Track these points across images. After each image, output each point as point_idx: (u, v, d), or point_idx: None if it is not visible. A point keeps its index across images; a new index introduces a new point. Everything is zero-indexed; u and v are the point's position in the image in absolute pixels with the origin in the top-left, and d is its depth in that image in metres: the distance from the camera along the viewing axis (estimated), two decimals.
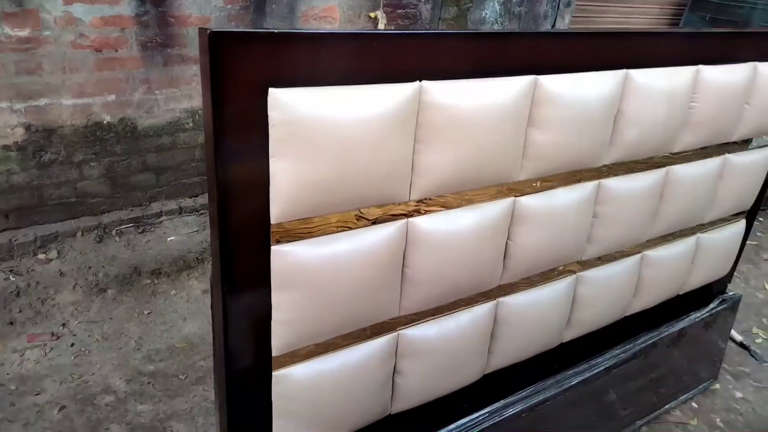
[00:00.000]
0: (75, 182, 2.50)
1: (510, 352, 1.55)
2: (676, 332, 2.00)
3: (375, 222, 1.13)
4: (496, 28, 3.51)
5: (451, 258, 1.27)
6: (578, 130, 1.33)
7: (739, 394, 2.30)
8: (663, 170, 1.63)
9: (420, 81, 1.06)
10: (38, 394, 1.93)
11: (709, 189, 1.80)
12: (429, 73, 1.07)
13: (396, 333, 1.29)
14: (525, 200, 1.35)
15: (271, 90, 0.91)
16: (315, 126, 0.96)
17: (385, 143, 1.05)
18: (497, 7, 3.49)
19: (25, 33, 2.17)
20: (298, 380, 1.17)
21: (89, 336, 2.21)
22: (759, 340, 2.65)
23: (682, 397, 2.20)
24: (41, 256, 2.47)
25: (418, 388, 1.38)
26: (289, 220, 1.02)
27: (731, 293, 2.23)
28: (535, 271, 1.48)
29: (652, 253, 1.78)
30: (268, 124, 0.93)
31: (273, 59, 0.90)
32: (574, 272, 1.60)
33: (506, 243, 1.37)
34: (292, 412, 1.19)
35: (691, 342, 2.11)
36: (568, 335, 1.70)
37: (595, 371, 1.77)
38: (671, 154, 1.63)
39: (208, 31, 0.83)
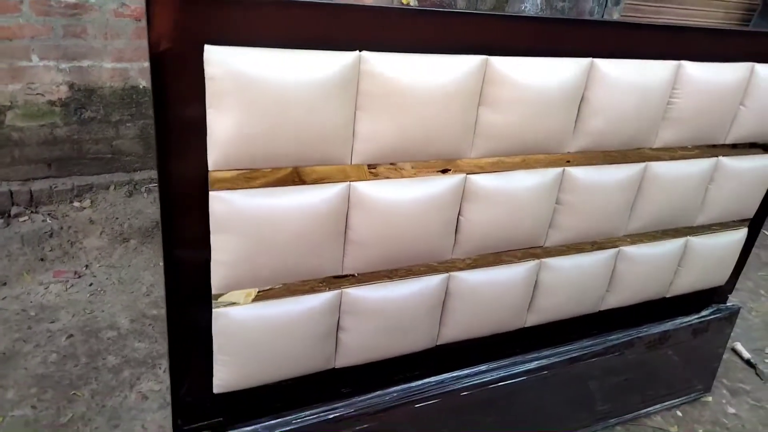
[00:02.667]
0: (111, 140, 2.73)
1: (463, 325, 1.59)
2: (657, 334, 1.97)
3: (315, 182, 1.22)
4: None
5: (395, 225, 1.34)
6: (534, 114, 1.36)
7: (731, 410, 2.23)
8: (641, 165, 1.62)
9: (360, 51, 1.14)
10: (53, 322, 2.15)
11: (696, 190, 1.76)
12: (370, 44, 1.14)
13: (340, 290, 1.38)
14: (477, 178, 1.39)
15: (207, 46, 1.02)
16: (250, 83, 1.06)
17: (321, 107, 1.13)
18: (538, 1, 3.46)
19: (73, 0, 2.40)
20: (238, 320, 1.28)
21: (107, 278, 2.43)
22: None
23: (666, 403, 2.16)
24: (76, 204, 2.72)
25: (361, 345, 1.46)
26: (227, 169, 1.13)
27: (730, 304, 2.16)
28: (489, 250, 1.52)
29: (630, 249, 1.77)
30: (204, 77, 1.03)
31: (210, 17, 1.01)
32: (537, 257, 1.62)
33: (458, 218, 1.43)
34: (231, 349, 1.30)
35: (678, 348, 2.07)
36: (532, 320, 1.72)
37: (556, 359, 1.78)
38: (650, 149, 1.61)
39: None
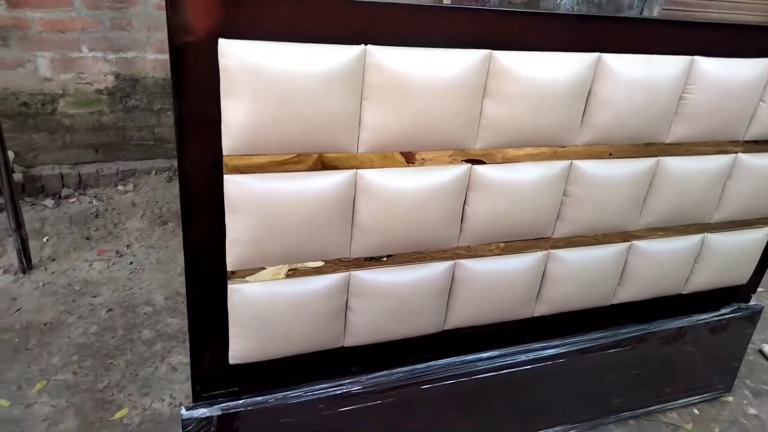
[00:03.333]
0: (153, 127, 2.89)
1: (470, 312, 1.65)
2: (672, 330, 1.97)
3: (322, 168, 1.30)
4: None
5: (400, 212, 1.40)
6: (539, 107, 1.40)
7: (752, 411, 2.20)
8: (653, 160, 1.63)
9: (365, 45, 1.21)
10: (95, 297, 2.32)
11: (713, 187, 1.75)
12: (376, 38, 1.21)
13: (348, 273, 1.46)
14: (482, 169, 1.44)
15: (221, 40, 1.10)
16: (260, 74, 1.14)
17: (327, 97, 1.20)
18: None
19: None
20: (251, 296, 1.37)
21: (146, 258, 2.58)
22: None
23: (683, 400, 2.16)
24: (120, 188, 2.89)
25: (369, 326, 1.54)
26: (240, 154, 1.22)
27: (753, 304, 2.13)
28: (494, 239, 1.56)
29: (642, 243, 1.77)
30: (219, 69, 1.12)
31: (224, 13, 1.09)
32: (545, 248, 1.66)
33: (464, 207, 1.48)
34: (245, 323, 1.40)
35: (696, 346, 2.05)
36: (540, 310, 1.75)
37: (566, 349, 1.81)
38: (663, 144, 1.62)
39: None
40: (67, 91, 2.73)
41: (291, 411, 1.49)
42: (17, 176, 2.67)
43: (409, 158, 1.37)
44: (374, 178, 1.35)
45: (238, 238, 1.30)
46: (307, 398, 1.50)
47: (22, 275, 2.37)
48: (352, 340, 1.55)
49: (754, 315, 2.12)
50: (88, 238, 2.64)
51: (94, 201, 2.80)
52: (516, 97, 1.37)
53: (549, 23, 1.37)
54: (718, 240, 1.88)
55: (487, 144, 1.42)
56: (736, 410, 2.19)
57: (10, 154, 2.69)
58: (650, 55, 1.47)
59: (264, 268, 1.36)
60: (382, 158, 1.34)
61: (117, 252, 2.59)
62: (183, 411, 1.41)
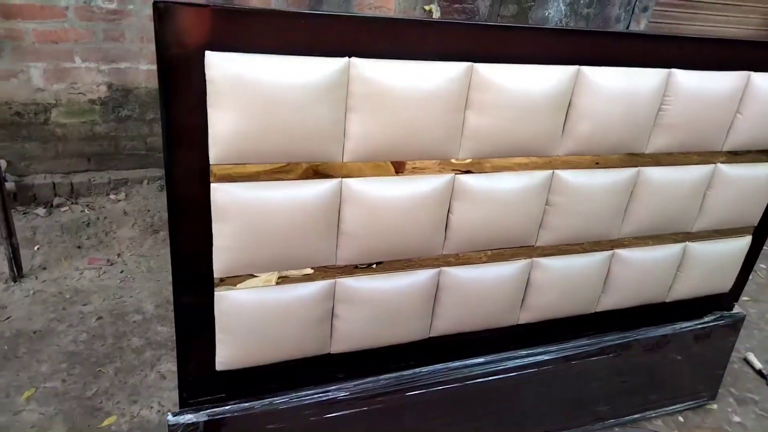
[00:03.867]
0: (146, 137, 2.92)
1: (455, 319, 1.67)
2: (656, 338, 1.99)
3: (308, 177, 1.33)
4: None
5: (385, 220, 1.43)
6: (520, 118, 1.43)
7: (737, 419, 2.23)
8: (633, 170, 1.67)
9: (349, 57, 1.24)
10: (85, 305, 2.33)
11: (693, 197, 1.79)
12: (359, 50, 1.24)
13: (334, 280, 1.48)
14: (465, 178, 1.47)
15: (207, 53, 1.14)
16: (246, 86, 1.17)
17: (312, 108, 1.23)
18: (562, 8, 3.49)
19: (113, 6, 2.59)
20: (237, 303, 1.39)
21: (137, 267, 2.60)
22: None
23: (668, 408, 2.18)
24: (112, 197, 2.91)
25: (355, 333, 1.56)
26: (226, 163, 1.24)
27: (735, 312, 2.16)
28: (479, 247, 1.59)
29: (624, 252, 1.81)
30: (205, 79, 1.15)
31: (210, 27, 1.13)
32: (529, 257, 1.68)
33: (447, 216, 1.51)
34: (232, 329, 1.42)
35: (680, 353, 2.08)
36: (525, 317, 1.78)
37: (550, 356, 1.83)
38: (643, 154, 1.66)
39: (154, 2, 1.07)
40: (60, 101, 2.75)
41: (277, 417, 1.51)
42: (9, 185, 2.69)
43: (399, 167, 1.40)
44: (359, 187, 1.38)
45: (225, 246, 1.32)
46: (294, 404, 1.52)
47: (12, 283, 2.38)
48: (338, 346, 1.57)
49: (737, 323, 2.15)
50: (79, 247, 2.65)
51: (85, 210, 2.82)
52: (497, 108, 1.40)
53: (529, 37, 1.41)
54: (699, 249, 1.92)
55: (470, 153, 1.45)
56: (720, 418, 2.21)
57: (3, 163, 2.71)
58: (629, 67, 1.51)
59: (254, 276, 1.38)
60: (373, 167, 1.37)
61: (108, 260, 2.60)
62: (169, 417, 1.42)
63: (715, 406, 2.26)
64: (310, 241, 1.39)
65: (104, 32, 2.65)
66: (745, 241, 2.00)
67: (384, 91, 1.28)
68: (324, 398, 1.56)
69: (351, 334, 1.56)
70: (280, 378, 1.54)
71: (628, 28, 3.76)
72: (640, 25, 3.80)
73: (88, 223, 2.77)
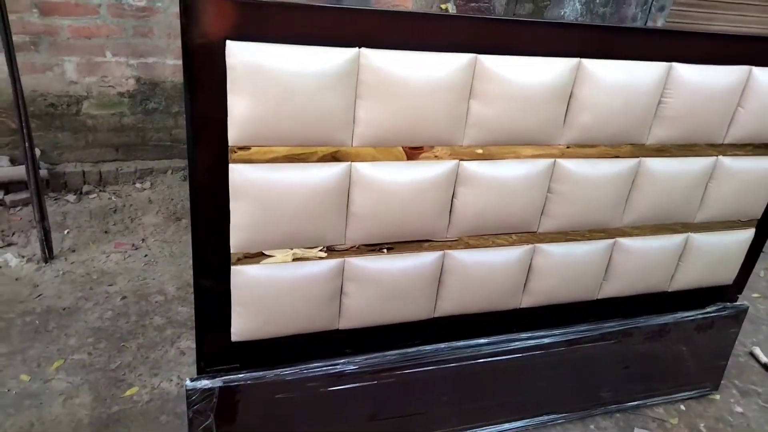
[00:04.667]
0: (171, 129, 3.04)
1: (459, 301, 1.74)
2: (657, 326, 2.04)
3: (320, 160, 1.42)
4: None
5: (392, 203, 1.51)
6: (522, 108, 1.50)
7: (739, 409, 2.26)
8: (635, 160, 1.73)
9: (359, 48, 1.33)
10: (111, 285, 2.46)
11: (694, 188, 1.84)
12: (369, 41, 1.33)
13: (343, 259, 1.57)
14: (469, 164, 1.55)
15: (228, 42, 1.23)
16: (263, 73, 1.27)
17: (324, 95, 1.32)
18: (578, 6, 3.54)
19: (142, 3, 2.72)
20: (252, 277, 1.49)
21: (160, 251, 2.72)
22: None
23: (670, 396, 2.22)
24: (138, 185, 3.04)
25: (363, 310, 1.64)
26: (244, 145, 1.34)
27: (738, 304, 2.19)
28: (481, 231, 1.66)
29: (626, 241, 1.86)
30: (226, 67, 1.25)
31: (231, 18, 1.22)
32: (531, 243, 1.75)
33: (452, 201, 1.59)
34: (247, 302, 1.52)
35: (682, 343, 2.13)
36: (527, 302, 1.85)
37: (551, 340, 1.90)
38: (644, 145, 1.71)
39: None
40: (91, 93, 2.89)
41: (286, 387, 1.60)
42: (42, 172, 2.83)
43: (414, 154, 1.48)
44: (367, 171, 1.46)
45: (241, 223, 1.42)
46: (302, 376, 1.61)
47: (44, 264, 2.52)
48: (346, 323, 1.66)
49: (740, 314, 2.18)
50: (106, 232, 2.78)
51: (113, 197, 2.96)
52: (500, 98, 1.48)
53: (531, 30, 1.49)
54: (701, 240, 1.96)
55: (474, 141, 1.53)
56: (722, 408, 2.25)
57: (37, 152, 2.85)
58: (630, 61, 1.57)
59: (268, 255, 1.48)
60: (382, 152, 1.45)
61: (133, 245, 2.73)
62: (188, 382, 1.53)
63: (717, 397, 2.30)
64: (320, 221, 1.48)
65: (134, 28, 2.78)
66: (748, 234, 2.04)
67: (391, 80, 1.36)
68: (331, 371, 1.65)
69: (358, 312, 1.65)
70: (291, 351, 1.63)
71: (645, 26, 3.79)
72: (657, 25, 3.83)
73: (115, 210, 2.90)
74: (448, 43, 1.40)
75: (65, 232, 2.75)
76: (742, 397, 2.32)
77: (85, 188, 2.98)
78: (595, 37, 1.54)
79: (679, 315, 2.08)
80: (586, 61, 1.53)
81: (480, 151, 1.55)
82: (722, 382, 2.34)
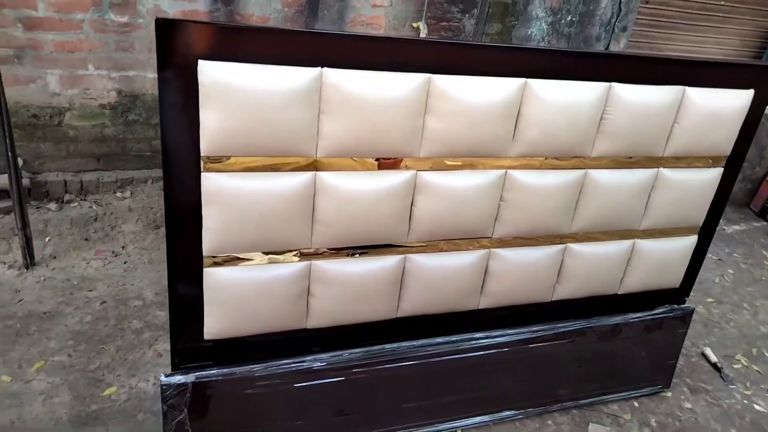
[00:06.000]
0: (151, 140, 3.14)
1: (420, 302, 1.86)
2: (608, 326, 2.18)
3: (284, 169, 1.54)
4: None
5: (355, 210, 1.64)
6: (473, 123, 1.64)
7: (688, 405, 2.40)
8: (581, 172, 1.87)
9: (322, 67, 1.46)
10: (90, 291, 2.54)
11: (638, 198, 1.99)
12: (331, 62, 1.46)
13: (309, 262, 1.68)
14: (426, 174, 1.68)
15: (200, 62, 1.35)
16: (232, 90, 1.39)
17: (289, 110, 1.45)
18: (544, 27, 3.72)
19: (124, 19, 2.83)
20: (223, 279, 1.60)
21: (139, 258, 2.81)
22: (738, 366, 2.70)
23: (624, 394, 2.36)
24: (118, 194, 3.13)
25: (328, 310, 1.76)
26: (215, 155, 1.46)
27: (685, 306, 2.34)
28: (439, 236, 1.79)
29: (576, 246, 2.00)
30: (198, 84, 1.37)
31: (202, 40, 1.35)
32: (487, 247, 1.88)
33: (411, 208, 1.72)
34: (218, 302, 1.63)
35: (632, 342, 2.27)
36: (485, 303, 1.98)
37: (507, 339, 2.02)
38: (588, 157, 1.86)
39: (156, 18, 1.29)
40: (74, 105, 2.99)
41: (255, 382, 1.71)
42: (25, 181, 2.91)
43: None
44: (331, 180, 1.59)
45: (213, 227, 1.53)
46: (270, 372, 1.72)
47: (25, 270, 2.60)
48: (313, 322, 1.77)
49: (687, 316, 2.34)
50: (87, 239, 2.87)
51: (93, 206, 3.04)
52: (453, 114, 1.61)
53: (480, 53, 1.63)
54: (647, 246, 2.11)
55: (430, 153, 1.66)
56: (673, 404, 2.39)
57: (20, 161, 2.93)
58: (573, 81, 1.72)
59: (239, 257, 1.59)
60: (348, 162, 1.58)
61: (113, 252, 2.82)
62: (162, 377, 1.63)
63: (669, 394, 2.44)
64: (287, 227, 1.60)
65: (116, 43, 2.89)
66: (691, 240, 2.20)
67: (351, 97, 1.49)
68: (299, 368, 1.76)
69: (325, 312, 1.76)
70: (262, 348, 1.74)
71: (608, 47, 3.98)
72: (620, 45, 4.02)
73: (96, 218, 2.99)
74: (405, 64, 1.53)
75: (47, 239, 2.83)
76: (692, 394, 2.46)
77: (67, 197, 3.06)
78: (541, 59, 1.69)
79: (630, 316, 2.22)
80: (531, 81, 1.67)
81: (436, 162, 1.68)
82: (674, 380, 2.49)
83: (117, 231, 2.96)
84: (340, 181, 1.59)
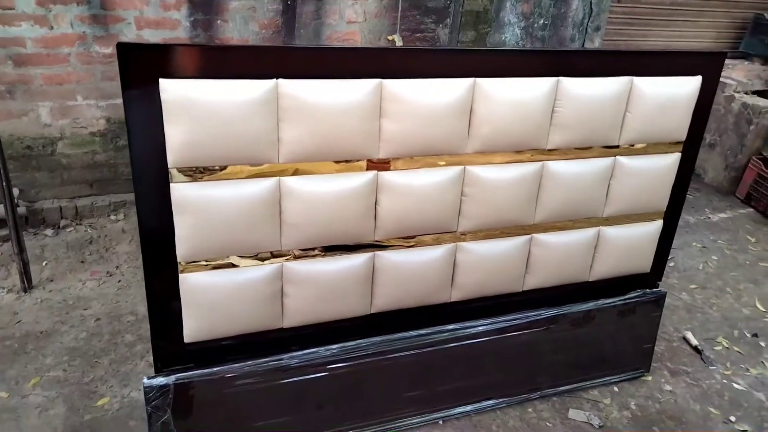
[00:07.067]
0: None
1: (392, 297, 1.95)
2: (581, 312, 2.25)
3: (251, 176, 1.64)
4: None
5: (320, 211, 1.73)
6: (426, 123, 1.73)
7: (668, 387, 2.45)
8: (538, 164, 1.96)
9: (276, 79, 1.56)
10: (86, 309, 2.64)
11: (598, 186, 2.07)
12: (285, 73, 1.56)
13: (280, 263, 1.78)
14: (386, 174, 1.77)
15: (161, 80, 1.46)
16: (193, 104, 1.49)
17: (249, 120, 1.55)
18: (518, 31, 3.83)
19: (108, 50, 2.97)
20: (198, 283, 1.69)
21: (133, 276, 2.91)
22: (719, 348, 2.74)
23: (604, 379, 2.41)
24: (112, 217, 3.25)
25: (303, 309, 1.84)
26: (182, 166, 1.56)
27: (657, 290, 2.40)
28: (405, 233, 1.87)
29: (542, 236, 2.08)
30: (161, 100, 1.48)
31: (161, 60, 1.46)
32: (453, 241, 1.97)
33: (375, 207, 1.81)
34: (195, 306, 1.72)
35: (607, 328, 2.33)
36: (456, 295, 2.05)
37: (482, 329, 2.09)
38: (544, 150, 1.95)
39: (117, 43, 1.41)
40: (65, 134, 3.12)
41: (234, 381, 1.79)
42: (21, 210, 3.04)
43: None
44: (295, 184, 1.68)
45: (185, 235, 1.63)
46: (248, 370, 1.80)
47: (23, 293, 2.70)
48: (289, 321, 1.86)
49: (659, 299, 2.40)
50: (82, 262, 2.98)
51: (88, 229, 3.16)
52: (407, 115, 1.71)
53: (429, 57, 1.73)
54: (612, 232, 2.19)
55: (388, 154, 1.75)
56: (653, 387, 2.44)
57: (16, 191, 3.06)
58: (521, 78, 1.82)
59: (210, 261, 1.69)
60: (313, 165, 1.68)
61: (107, 272, 2.92)
62: (145, 380, 1.72)
63: (649, 378, 2.49)
64: (256, 231, 1.69)
65: (102, 73, 3.03)
66: (656, 225, 2.27)
67: (307, 105, 1.60)
68: (277, 365, 1.84)
69: (299, 311, 1.85)
70: (241, 349, 1.83)
71: (582, 47, 4.08)
72: (594, 44, 4.12)
73: (91, 241, 3.10)
74: (358, 71, 1.64)
75: (44, 263, 2.95)
76: (672, 377, 2.51)
77: (63, 222, 3.18)
78: (488, 60, 1.79)
79: (601, 302, 2.28)
80: (480, 80, 1.77)
81: (395, 161, 1.77)
82: (655, 365, 2.54)
83: (111, 252, 3.07)
84: (303, 185, 1.69)
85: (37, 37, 2.92)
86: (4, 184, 2.59)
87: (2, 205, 2.70)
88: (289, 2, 3.17)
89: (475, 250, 2.00)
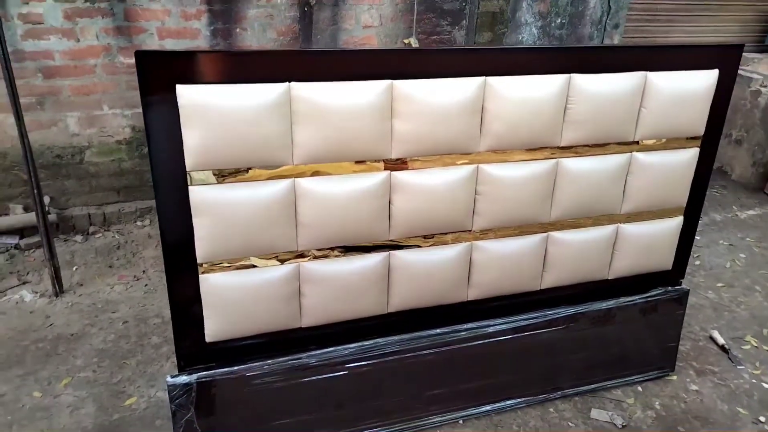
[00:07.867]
0: None
1: (408, 296, 1.96)
2: (602, 311, 2.23)
3: (268, 178, 1.67)
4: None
5: (335, 212, 1.76)
6: (438, 122, 1.75)
7: (694, 387, 2.41)
8: (552, 161, 1.96)
9: (289, 82, 1.60)
10: (114, 312, 2.72)
11: (614, 183, 2.05)
12: (297, 77, 1.60)
13: (297, 264, 1.81)
14: (400, 174, 1.80)
15: (178, 86, 1.51)
16: (209, 109, 1.54)
17: (263, 124, 1.59)
18: (535, 31, 3.82)
19: (132, 61, 3.05)
20: (218, 284, 1.74)
21: (159, 281, 2.99)
22: (747, 347, 2.68)
23: (627, 379, 2.38)
24: (138, 223, 3.34)
25: (320, 309, 1.87)
26: (199, 169, 1.61)
27: (679, 287, 2.37)
28: (420, 232, 1.89)
29: (558, 234, 2.08)
30: (178, 105, 1.53)
31: (178, 67, 1.51)
32: (468, 240, 1.97)
33: (389, 206, 1.83)
34: (216, 306, 1.76)
35: (630, 326, 2.31)
36: (473, 294, 2.06)
37: (499, 328, 2.09)
38: (558, 147, 1.94)
39: (135, 51, 1.46)
40: (92, 143, 3.23)
41: (254, 379, 1.83)
42: (52, 217, 3.14)
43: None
44: (310, 185, 1.72)
45: (204, 236, 1.68)
46: (268, 369, 1.83)
47: (55, 298, 2.80)
48: (307, 320, 1.89)
49: (682, 297, 2.36)
50: (110, 266, 3.07)
51: (116, 235, 3.26)
52: (419, 115, 1.73)
53: (439, 57, 1.75)
54: (631, 229, 2.17)
55: (401, 153, 1.77)
56: (678, 387, 2.41)
57: (46, 199, 3.17)
58: (532, 75, 1.82)
59: (230, 262, 1.73)
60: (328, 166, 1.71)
61: (135, 276, 3.00)
62: (168, 379, 1.77)
63: (674, 378, 2.45)
64: (273, 232, 1.73)
65: (126, 83, 3.13)
66: (676, 221, 2.24)
67: (320, 108, 1.63)
68: (296, 364, 1.88)
69: (317, 310, 1.88)
70: (262, 348, 1.86)
71: (601, 44, 4.04)
72: (614, 42, 4.08)
73: (118, 247, 3.19)
74: (370, 73, 1.66)
75: (74, 269, 3.04)
76: (698, 377, 2.47)
77: (91, 229, 3.28)
78: (499, 58, 1.80)
79: (622, 300, 2.26)
80: (491, 79, 1.78)
81: (412, 162, 1.79)
82: (680, 364, 2.50)
83: (138, 257, 3.15)
84: (317, 186, 1.72)
85: (64, 50, 3.03)
86: (36, 192, 2.68)
87: (34, 212, 2.80)
88: (306, 9, 3.22)
89: (491, 248, 2.00)
